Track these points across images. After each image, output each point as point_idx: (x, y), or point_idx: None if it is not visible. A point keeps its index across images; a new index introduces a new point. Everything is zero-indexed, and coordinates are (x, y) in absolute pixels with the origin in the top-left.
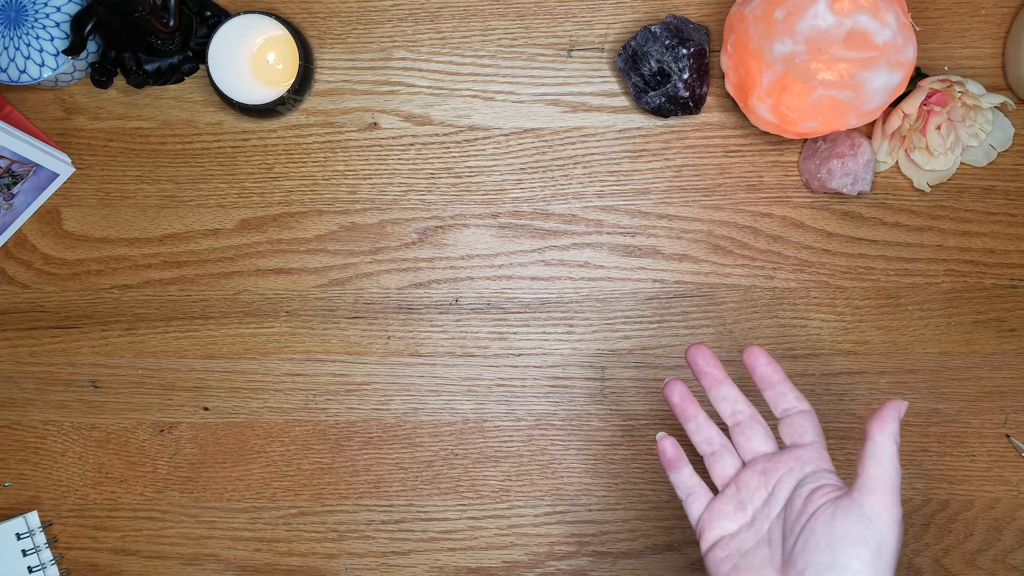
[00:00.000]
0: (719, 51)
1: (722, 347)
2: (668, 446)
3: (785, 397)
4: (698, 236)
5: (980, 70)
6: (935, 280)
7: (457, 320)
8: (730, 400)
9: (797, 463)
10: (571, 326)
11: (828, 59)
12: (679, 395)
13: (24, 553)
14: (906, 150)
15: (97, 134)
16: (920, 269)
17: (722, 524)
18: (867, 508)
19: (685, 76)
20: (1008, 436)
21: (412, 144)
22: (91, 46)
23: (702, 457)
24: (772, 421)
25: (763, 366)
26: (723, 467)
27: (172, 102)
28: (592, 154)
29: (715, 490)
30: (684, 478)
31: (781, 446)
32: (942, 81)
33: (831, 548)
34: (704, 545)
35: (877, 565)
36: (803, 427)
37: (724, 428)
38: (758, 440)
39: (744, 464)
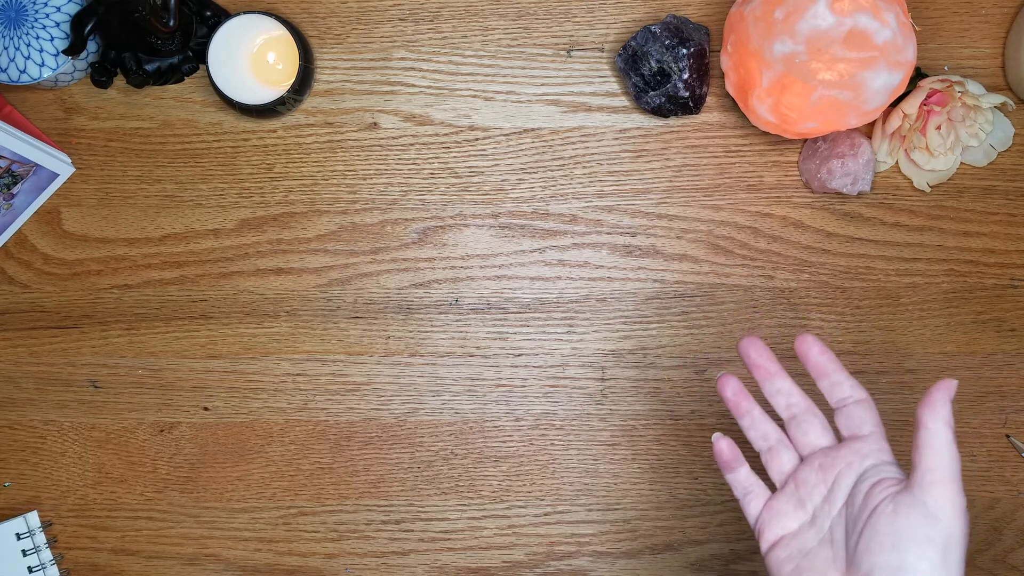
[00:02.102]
0: (719, 51)
1: (722, 347)
2: (725, 447)
3: (840, 386)
4: (698, 236)
5: (980, 70)
6: (935, 280)
7: (457, 320)
8: (784, 393)
9: (856, 456)
10: (571, 326)
11: (828, 59)
12: (732, 390)
13: (24, 553)
14: (906, 150)
15: (97, 134)
16: (920, 269)
17: (782, 523)
18: (930, 504)
19: (685, 76)
20: (1008, 436)
21: (412, 144)
22: (91, 46)
23: (758, 454)
24: (828, 411)
25: (816, 355)
26: (780, 463)
27: (172, 102)
28: (592, 154)
29: (773, 488)
30: (741, 478)
31: (839, 438)
32: (942, 81)
33: (897, 548)
34: (764, 545)
35: (946, 563)
36: (861, 417)
37: (779, 422)
38: (815, 433)
39: (802, 459)
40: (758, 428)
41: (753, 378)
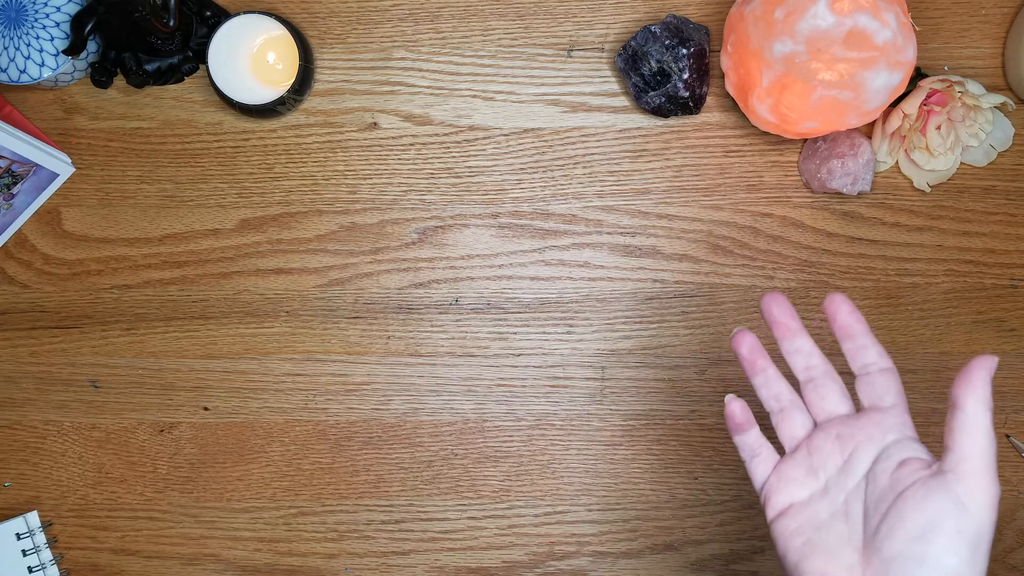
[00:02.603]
0: (719, 51)
1: (722, 347)
2: (737, 409)
3: (866, 351)
4: (698, 236)
5: (980, 70)
6: (935, 280)
7: (457, 320)
8: (804, 353)
9: (878, 429)
10: (571, 326)
11: (828, 59)
12: (749, 347)
13: (24, 553)
14: (906, 150)
15: (97, 134)
16: (920, 269)
17: (791, 490)
18: (962, 493)
19: (685, 76)
20: (1008, 436)
21: (412, 144)
22: (91, 46)
23: (769, 415)
24: (848, 378)
25: (845, 314)
26: (792, 427)
27: (172, 102)
28: (592, 154)
29: (782, 452)
30: (751, 440)
31: (858, 407)
32: (942, 81)
33: (923, 539)
34: (771, 512)
35: (975, 559)
36: (885, 387)
37: (795, 385)
38: (833, 399)
39: (816, 425)
40: (772, 388)
41: (770, 339)
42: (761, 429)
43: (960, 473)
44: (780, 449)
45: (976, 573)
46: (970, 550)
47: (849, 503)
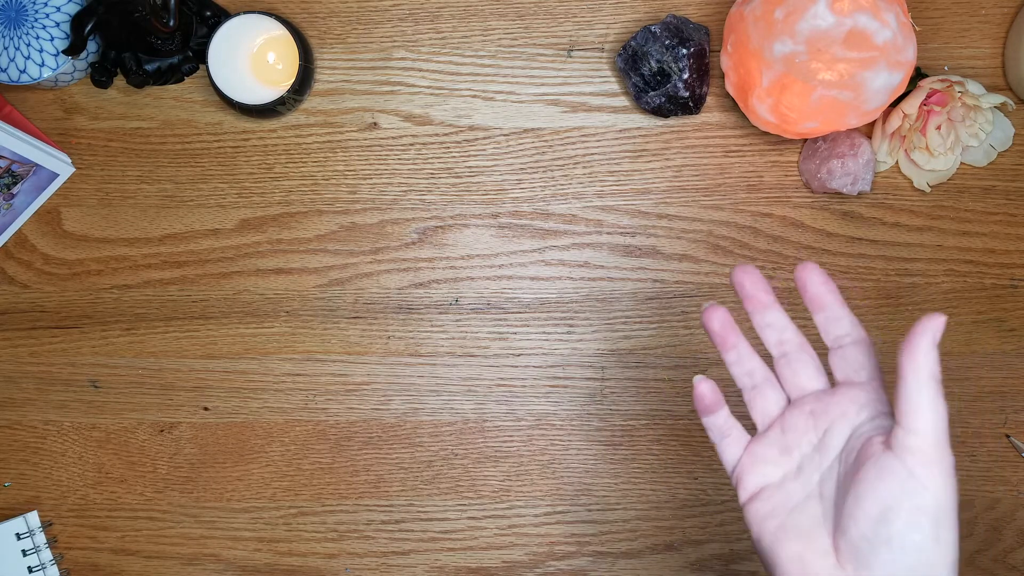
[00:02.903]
0: (719, 51)
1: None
2: (707, 390)
3: (839, 322)
4: (698, 236)
5: (980, 70)
6: (935, 280)
7: (457, 320)
8: (777, 327)
9: (853, 405)
10: (571, 326)
11: (828, 59)
12: (720, 321)
13: (24, 553)
14: (906, 150)
15: (97, 134)
16: (920, 269)
17: (764, 470)
18: (916, 468)
19: (685, 76)
20: (1008, 436)
21: (412, 144)
22: (91, 46)
23: (741, 392)
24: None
25: (817, 284)
26: (765, 404)
27: (172, 102)
28: (592, 154)
29: (753, 432)
30: (719, 421)
31: (832, 383)
32: (942, 81)
33: (884, 519)
34: (743, 494)
35: (940, 531)
36: (859, 361)
37: (768, 362)
38: (807, 374)
39: (790, 402)
40: (744, 364)
41: (741, 314)
42: (732, 411)
43: (910, 448)
44: (751, 429)
45: (944, 544)
46: (933, 524)
47: (823, 484)
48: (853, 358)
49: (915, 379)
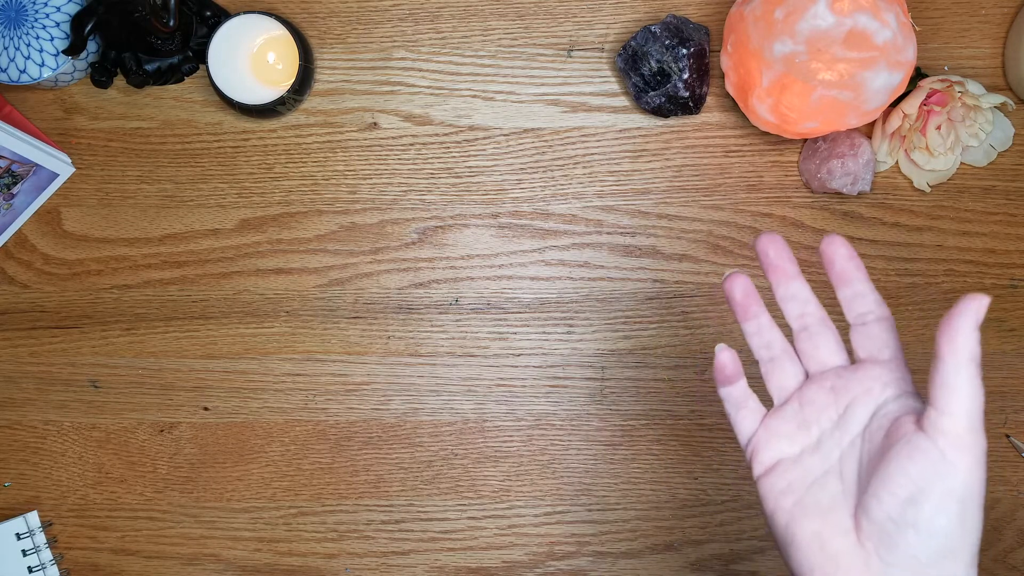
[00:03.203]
0: (719, 51)
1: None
2: (728, 359)
3: (864, 299)
4: (698, 236)
5: (980, 70)
6: (935, 280)
7: (457, 320)
8: (800, 300)
9: (877, 383)
10: (571, 326)
11: (828, 59)
12: (742, 290)
13: (24, 553)
14: (906, 150)
15: (97, 134)
16: (920, 269)
17: (780, 445)
18: (948, 451)
19: (685, 76)
20: (1008, 436)
21: (412, 144)
22: (91, 46)
23: (758, 363)
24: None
25: (844, 259)
26: (783, 376)
27: (172, 102)
28: (592, 154)
29: (769, 405)
30: (736, 392)
31: (851, 360)
32: (942, 81)
33: (914, 501)
34: (758, 468)
35: (965, 516)
36: (882, 338)
37: (787, 334)
38: (827, 349)
39: (808, 377)
40: (764, 336)
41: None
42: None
43: (944, 430)
44: (767, 403)
45: (969, 530)
46: (960, 508)
47: (844, 461)
48: (877, 335)
49: (953, 360)
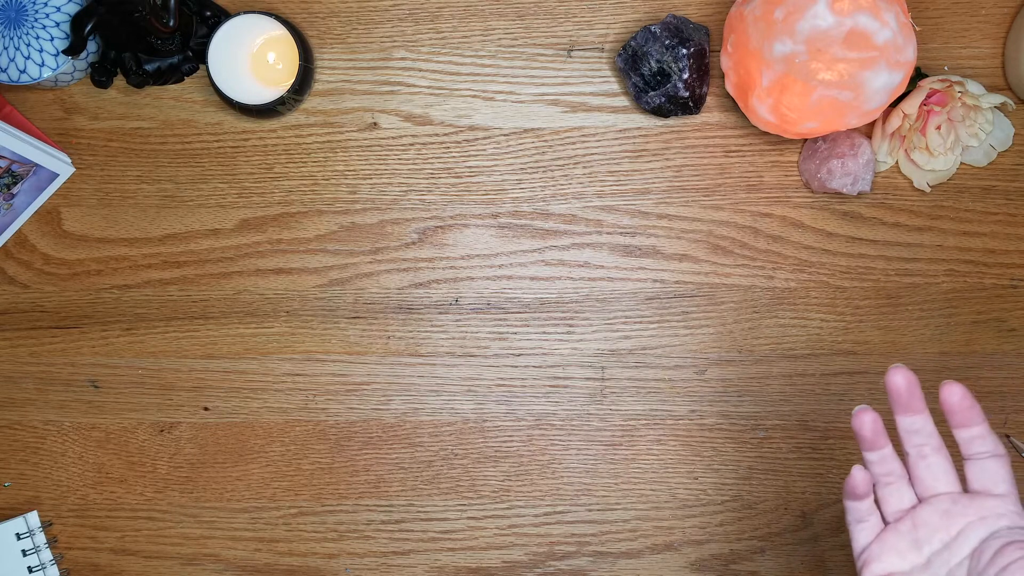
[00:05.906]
0: (719, 51)
1: (722, 347)
2: (861, 480)
3: (983, 440)
4: (698, 236)
5: (980, 70)
6: (935, 280)
7: (457, 320)
8: (923, 433)
9: (991, 514)
10: (571, 326)
11: (828, 59)
12: (871, 428)
13: (24, 553)
14: (906, 150)
15: (97, 134)
16: (920, 269)
17: (891, 560)
18: None
19: (685, 76)
20: (1008, 436)
21: (412, 144)
22: (91, 46)
23: (875, 485)
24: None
25: (966, 409)
26: (899, 499)
27: (172, 102)
28: (592, 154)
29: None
30: (863, 506)
31: (964, 487)
32: (942, 81)
33: None
34: None
35: None
36: (997, 473)
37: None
38: (944, 479)
39: (920, 500)
40: (886, 465)
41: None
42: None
43: None
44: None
45: None
46: None
47: None
48: (994, 471)
49: None
